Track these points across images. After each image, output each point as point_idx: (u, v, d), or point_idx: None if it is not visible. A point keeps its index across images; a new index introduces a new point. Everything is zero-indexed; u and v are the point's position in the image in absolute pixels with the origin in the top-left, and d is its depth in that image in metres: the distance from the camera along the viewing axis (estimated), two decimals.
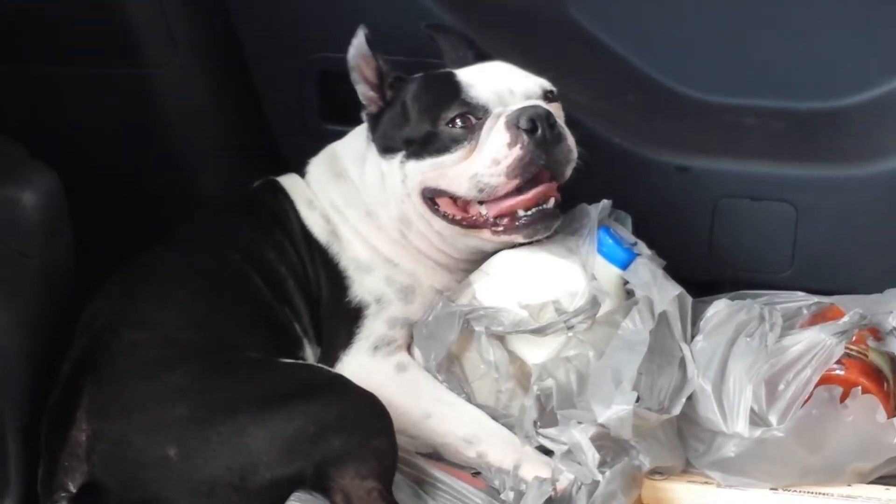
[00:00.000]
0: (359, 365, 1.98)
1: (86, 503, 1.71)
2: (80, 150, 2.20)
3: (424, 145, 1.99)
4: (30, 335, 1.85)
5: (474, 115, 1.97)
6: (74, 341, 1.89)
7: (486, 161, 1.95)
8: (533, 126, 1.93)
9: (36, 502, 1.78)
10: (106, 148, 2.29)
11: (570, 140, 1.98)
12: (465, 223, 2.02)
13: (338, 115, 2.32)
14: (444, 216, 2.02)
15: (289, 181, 2.16)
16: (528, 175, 1.95)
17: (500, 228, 1.99)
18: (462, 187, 1.98)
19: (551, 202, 1.99)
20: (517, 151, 1.93)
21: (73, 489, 1.71)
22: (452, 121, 1.97)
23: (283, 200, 2.13)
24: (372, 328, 2.02)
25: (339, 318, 2.04)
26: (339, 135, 2.20)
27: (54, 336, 1.90)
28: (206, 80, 2.33)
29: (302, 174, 2.17)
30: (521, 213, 1.98)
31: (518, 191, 1.96)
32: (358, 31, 2.03)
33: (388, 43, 2.09)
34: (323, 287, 2.06)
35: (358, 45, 2.04)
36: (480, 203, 1.99)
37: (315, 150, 2.20)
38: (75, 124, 2.26)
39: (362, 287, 2.05)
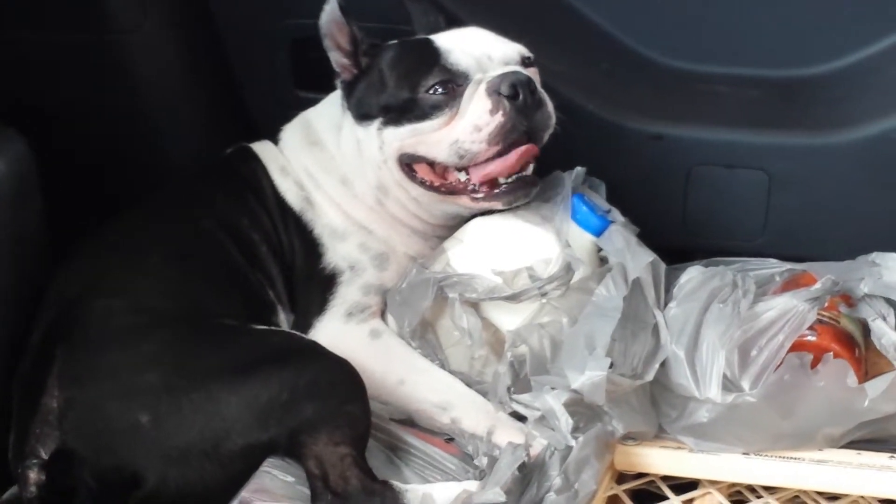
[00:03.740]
0: (332, 331, 1.98)
1: (57, 470, 1.70)
2: (50, 117, 2.19)
3: (403, 112, 1.98)
4: (0, 303, 1.84)
5: (455, 82, 1.96)
6: (46, 309, 1.88)
7: (467, 128, 1.94)
8: (514, 92, 1.92)
9: (6, 468, 1.77)
10: (76, 115, 2.26)
11: (550, 106, 1.99)
12: (443, 189, 2.01)
13: (311, 82, 2.30)
14: (422, 183, 2.01)
15: (262, 147, 2.15)
16: (509, 141, 1.95)
17: (480, 195, 1.99)
18: (442, 153, 1.97)
19: (530, 168, 1.99)
20: (499, 118, 1.93)
21: (44, 456, 1.70)
22: (433, 87, 1.96)
23: (256, 167, 2.12)
24: (345, 295, 2.02)
25: (312, 284, 2.04)
26: (312, 102, 2.19)
27: (25, 304, 1.89)
28: (177, 46, 2.31)
29: (275, 141, 2.15)
30: (501, 179, 1.98)
31: (499, 155, 1.95)
32: None
33: (361, 9, 2.07)
34: (297, 254, 2.06)
35: (330, 11, 2.01)
36: (459, 169, 1.99)
37: (288, 117, 2.19)
38: (45, 91, 2.24)
39: (336, 254, 2.05)
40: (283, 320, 2.02)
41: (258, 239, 2.03)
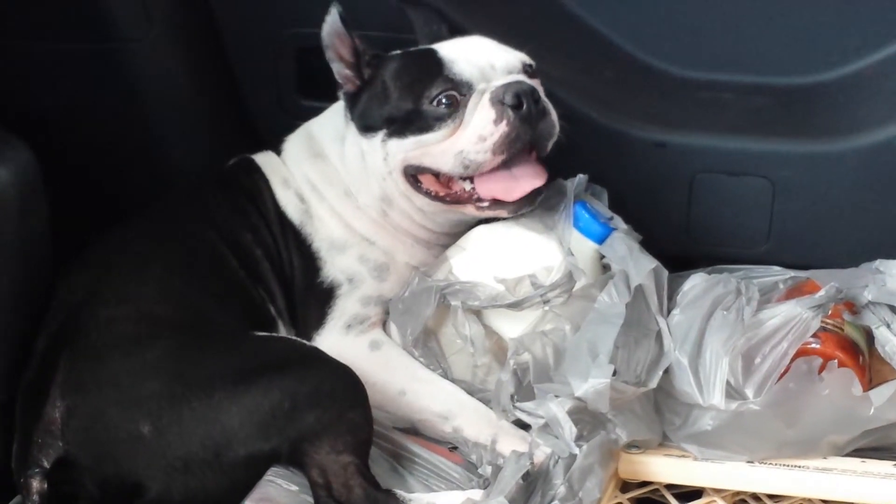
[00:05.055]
0: (331, 344, 1.97)
1: (59, 479, 1.70)
2: (54, 126, 2.19)
3: (407, 124, 1.98)
4: (5, 311, 1.84)
5: (458, 92, 1.96)
6: (49, 316, 1.88)
7: (471, 138, 1.94)
8: (518, 102, 1.92)
9: (9, 477, 1.77)
10: (80, 123, 2.27)
11: (554, 115, 1.98)
12: (448, 199, 2.01)
13: (315, 91, 2.30)
14: (427, 193, 2.01)
15: (264, 159, 2.15)
16: (513, 151, 1.94)
17: (485, 204, 1.98)
18: (447, 164, 1.97)
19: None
20: (503, 128, 1.93)
21: (46, 465, 1.70)
22: (436, 98, 1.96)
23: (258, 179, 2.11)
24: (344, 307, 2.02)
25: (311, 298, 2.04)
26: (316, 111, 2.18)
27: (30, 312, 1.89)
28: (181, 55, 2.31)
29: (278, 152, 2.15)
30: None
31: (504, 165, 1.94)
32: (331, 8, 2.00)
33: (363, 19, 2.07)
34: (296, 268, 2.06)
35: (332, 23, 2.01)
36: (463, 178, 1.98)
37: (292, 126, 2.19)
38: (50, 99, 2.24)
39: (334, 267, 2.04)
40: (284, 335, 2.01)
41: (260, 255, 2.03)
